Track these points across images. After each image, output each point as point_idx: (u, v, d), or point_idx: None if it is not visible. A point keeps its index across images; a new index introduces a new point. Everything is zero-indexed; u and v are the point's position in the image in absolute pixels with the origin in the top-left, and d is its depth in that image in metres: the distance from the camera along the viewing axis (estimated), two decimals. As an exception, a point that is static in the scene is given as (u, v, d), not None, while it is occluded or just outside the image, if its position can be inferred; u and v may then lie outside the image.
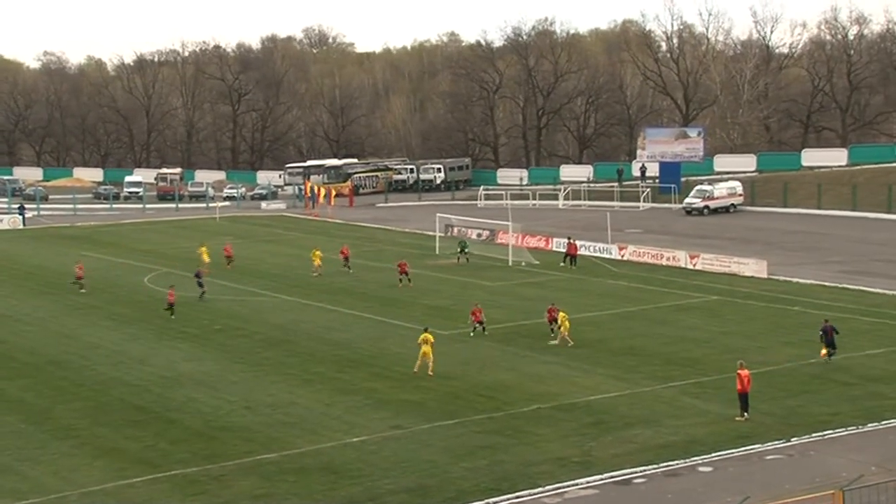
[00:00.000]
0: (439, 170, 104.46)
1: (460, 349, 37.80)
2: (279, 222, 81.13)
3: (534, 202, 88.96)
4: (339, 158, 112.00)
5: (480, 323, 38.96)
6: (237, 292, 47.90)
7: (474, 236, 66.89)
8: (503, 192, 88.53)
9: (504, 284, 51.40)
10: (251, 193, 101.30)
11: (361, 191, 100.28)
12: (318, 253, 54.17)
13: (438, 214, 66.28)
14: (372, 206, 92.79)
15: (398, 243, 67.17)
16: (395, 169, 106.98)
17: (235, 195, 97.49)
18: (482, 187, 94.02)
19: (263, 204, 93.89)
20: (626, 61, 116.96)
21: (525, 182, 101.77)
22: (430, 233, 66.04)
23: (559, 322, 38.00)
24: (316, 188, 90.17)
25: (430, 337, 34.10)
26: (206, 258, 54.04)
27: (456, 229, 67.88)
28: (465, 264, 56.73)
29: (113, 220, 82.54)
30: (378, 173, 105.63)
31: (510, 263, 57.24)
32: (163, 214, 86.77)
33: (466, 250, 58.27)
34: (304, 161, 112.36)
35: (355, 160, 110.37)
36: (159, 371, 34.93)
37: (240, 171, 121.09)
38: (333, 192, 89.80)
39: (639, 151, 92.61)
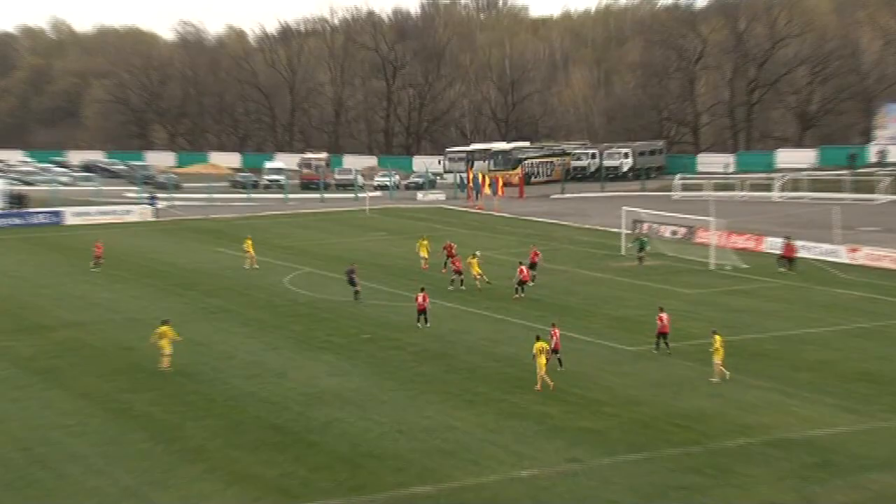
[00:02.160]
0: (627, 155, 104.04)
1: (649, 368, 37.12)
2: (438, 216, 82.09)
3: (742, 194, 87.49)
4: (509, 142, 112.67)
5: (556, 352, 37.31)
6: (389, 296, 48.56)
7: (668, 234, 65.88)
8: (704, 182, 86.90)
9: (703, 292, 50.35)
10: (406, 182, 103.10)
11: (534, 179, 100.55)
12: (475, 262, 51.52)
13: (624, 208, 65.61)
14: (546, 197, 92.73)
15: (577, 242, 66.77)
16: (574, 154, 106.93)
17: (388, 184, 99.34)
18: (678, 176, 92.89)
19: (420, 194, 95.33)
20: (862, 22, 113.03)
21: (731, 169, 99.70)
22: (615, 230, 65.35)
23: (712, 346, 35.94)
24: (480, 176, 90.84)
25: (546, 345, 34.91)
26: (424, 253, 56.39)
27: (646, 225, 67.00)
28: (641, 265, 56.34)
29: (251, 212, 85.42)
30: (554, 159, 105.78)
31: (712, 267, 56.30)
32: (306, 206, 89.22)
33: (647, 249, 57.88)
34: (468, 144, 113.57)
35: (527, 144, 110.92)
36: (300, 387, 35.74)
37: (393, 156, 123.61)
38: (501, 181, 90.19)
39: (877, 132, 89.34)
